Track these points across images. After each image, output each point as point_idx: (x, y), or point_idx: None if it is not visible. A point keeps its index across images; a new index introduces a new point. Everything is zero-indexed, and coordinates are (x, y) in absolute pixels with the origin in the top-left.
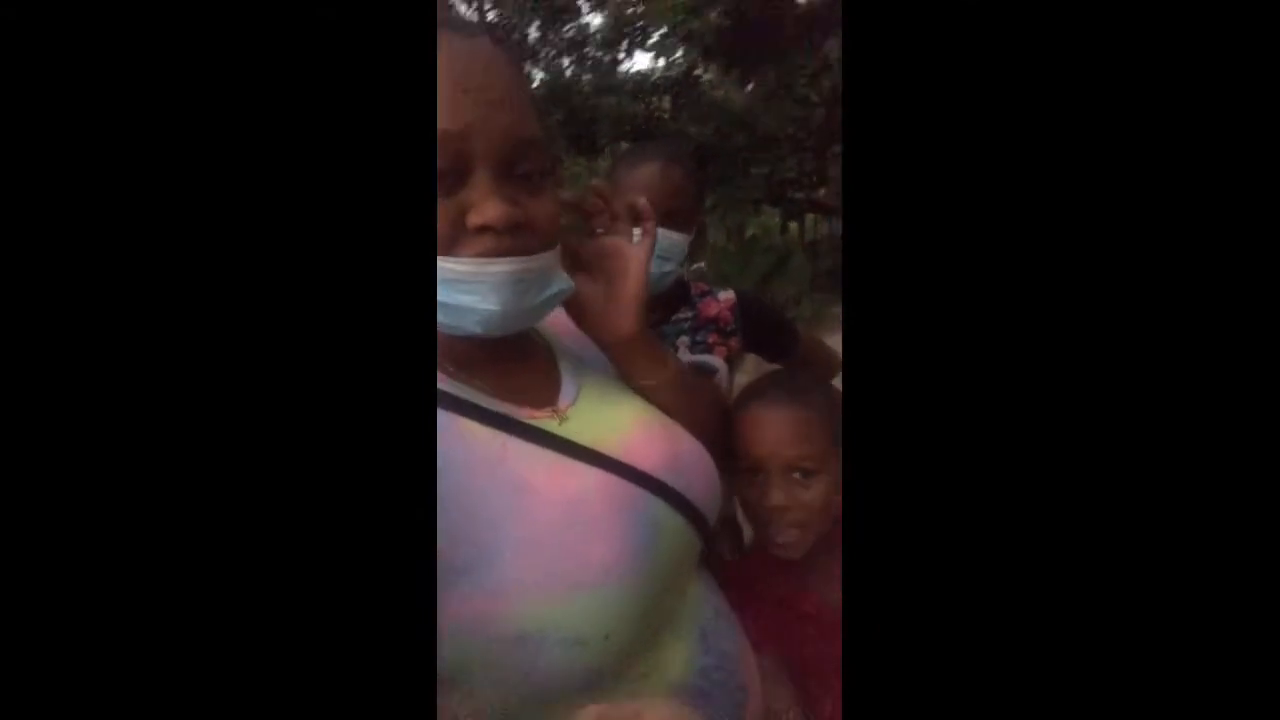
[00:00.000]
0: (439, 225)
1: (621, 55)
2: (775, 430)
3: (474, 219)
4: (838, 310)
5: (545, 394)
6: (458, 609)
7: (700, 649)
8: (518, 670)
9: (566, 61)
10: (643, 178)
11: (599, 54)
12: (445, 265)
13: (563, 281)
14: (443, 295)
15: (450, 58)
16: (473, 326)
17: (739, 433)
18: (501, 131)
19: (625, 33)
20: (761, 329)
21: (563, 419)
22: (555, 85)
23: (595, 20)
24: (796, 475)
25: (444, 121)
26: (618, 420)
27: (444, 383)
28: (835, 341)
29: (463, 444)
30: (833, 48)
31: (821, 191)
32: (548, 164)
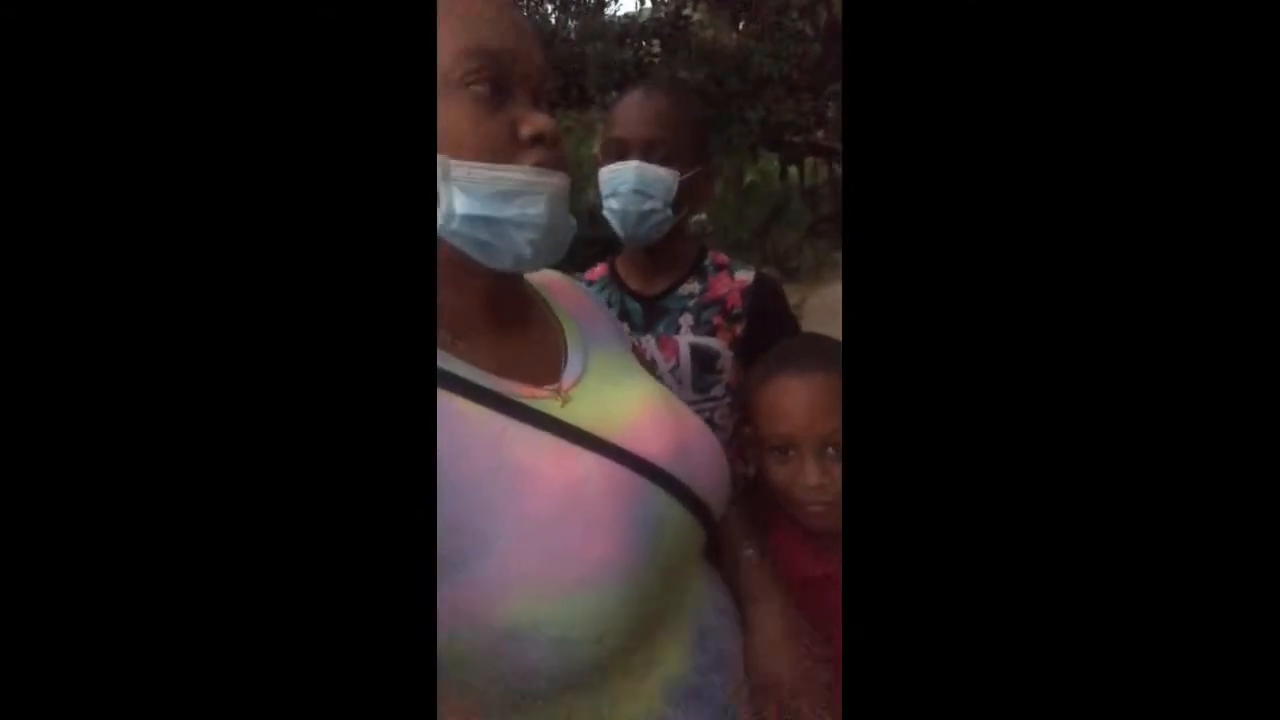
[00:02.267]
0: (491, 140)
1: None
2: (806, 402)
3: (526, 130)
4: (838, 257)
5: (548, 369)
6: (449, 599)
7: (698, 647)
8: (508, 665)
9: (550, 7)
10: (624, 108)
11: None
12: (503, 174)
13: (571, 218)
14: (490, 209)
15: None
16: (522, 247)
17: (764, 406)
18: (531, 56)
19: None
20: (764, 318)
21: (565, 399)
22: (541, 33)
23: None
24: (831, 451)
25: (490, 40)
26: (624, 402)
27: (441, 359)
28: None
29: (458, 425)
30: None
31: (820, 133)
32: (556, 95)
